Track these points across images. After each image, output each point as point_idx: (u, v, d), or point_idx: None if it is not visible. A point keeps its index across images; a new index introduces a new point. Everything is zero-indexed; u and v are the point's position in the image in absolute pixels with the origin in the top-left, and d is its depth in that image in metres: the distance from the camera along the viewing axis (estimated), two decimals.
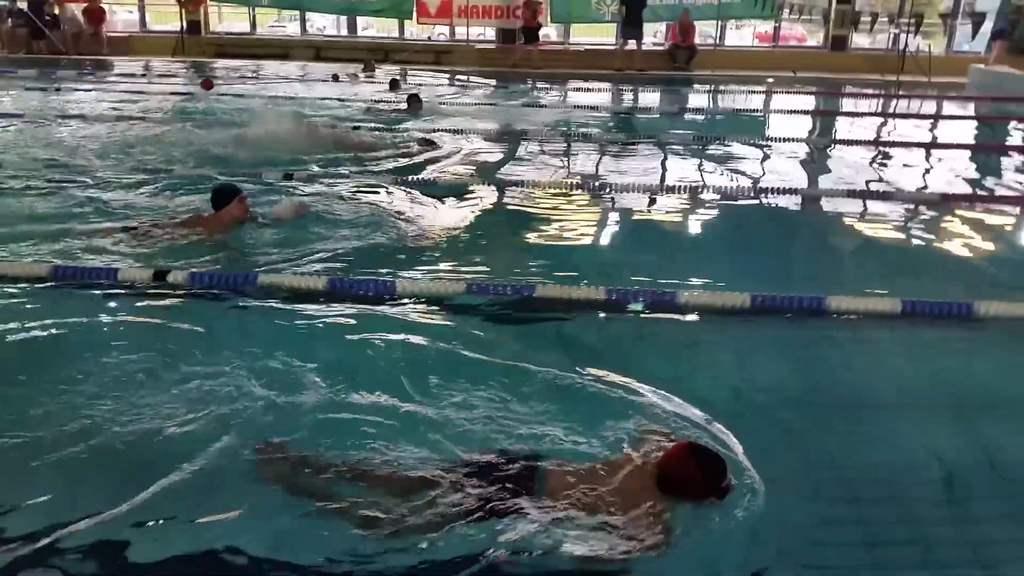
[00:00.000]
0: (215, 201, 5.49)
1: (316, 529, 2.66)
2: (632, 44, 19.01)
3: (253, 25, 22.20)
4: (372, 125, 10.26)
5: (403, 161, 8.21)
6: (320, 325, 4.22)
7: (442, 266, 5.24)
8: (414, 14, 20.73)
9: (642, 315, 4.51)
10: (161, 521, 2.70)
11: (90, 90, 13.97)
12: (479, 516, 2.60)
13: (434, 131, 9.78)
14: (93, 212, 6.05)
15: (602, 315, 4.52)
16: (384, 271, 4.97)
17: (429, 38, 22.15)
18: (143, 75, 17.09)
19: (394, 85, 14.19)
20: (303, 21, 22.15)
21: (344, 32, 22.47)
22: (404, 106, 11.36)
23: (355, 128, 9.89)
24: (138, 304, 4.42)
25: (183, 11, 20.62)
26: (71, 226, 5.61)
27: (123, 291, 4.58)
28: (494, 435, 3.13)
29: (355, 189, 6.87)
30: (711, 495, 2.60)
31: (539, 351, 3.92)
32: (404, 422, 3.22)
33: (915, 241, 6.54)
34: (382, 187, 6.96)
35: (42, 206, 6.16)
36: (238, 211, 5.49)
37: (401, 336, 4.05)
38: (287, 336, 4.07)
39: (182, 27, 20.71)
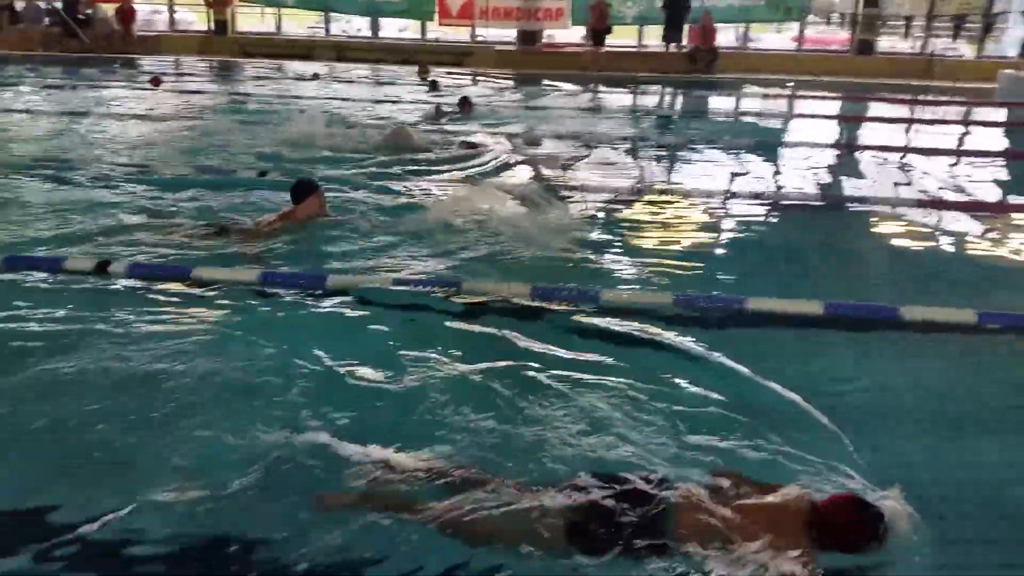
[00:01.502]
0: (295, 195, 5.54)
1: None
2: (673, 46, 19.17)
3: (279, 25, 22.48)
4: (423, 128, 10.21)
5: (447, 164, 8.12)
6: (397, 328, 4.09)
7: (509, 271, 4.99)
8: (436, 15, 20.81)
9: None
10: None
11: (132, 88, 14.20)
12: (598, 553, 2.40)
13: (480, 134, 9.66)
14: (165, 212, 6.10)
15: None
16: (470, 271, 4.83)
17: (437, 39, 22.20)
18: (190, 74, 17.38)
19: (434, 86, 14.26)
20: (327, 21, 22.36)
21: (367, 32, 22.65)
22: (455, 109, 11.37)
23: (411, 125, 9.85)
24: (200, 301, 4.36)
25: (211, 11, 21.01)
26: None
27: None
28: (610, 457, 2.90)
29: (416, 190, 6.86)
30: (867, 549, 2.49)
31: (662, 366, 3.67)
32: (503, 442, 3.01)
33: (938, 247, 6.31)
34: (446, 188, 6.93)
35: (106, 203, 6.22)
36: (316, 205, 5.55)
37: (493, 346, 3.87)
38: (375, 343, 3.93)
39: (209, 27, 21.10)
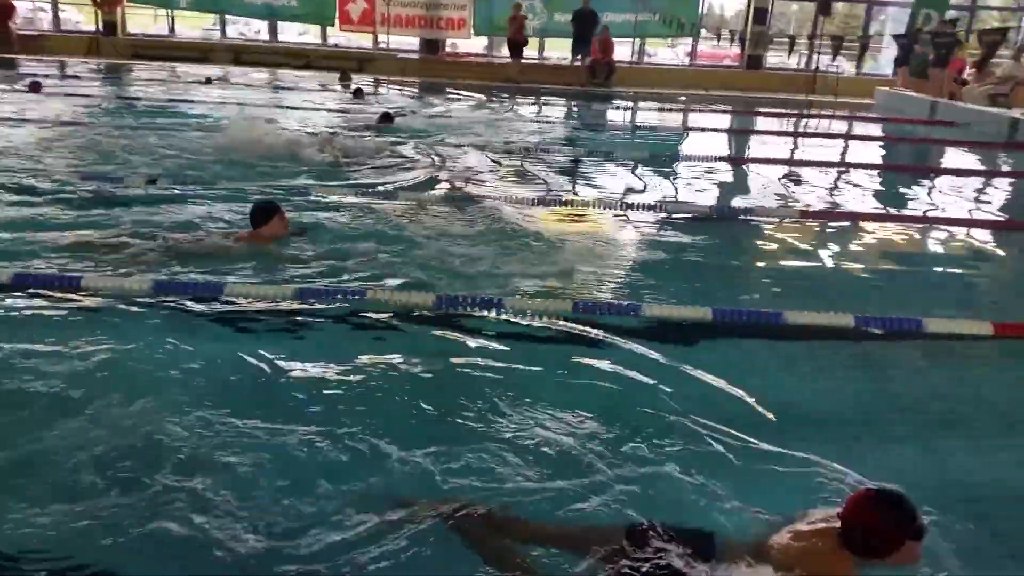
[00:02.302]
0: (255, 219, 5.33)
1: None
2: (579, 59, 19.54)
3: (172, 27, 21.82)
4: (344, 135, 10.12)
5: (380, 172, 8.09)
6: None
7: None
8: (336, 20, 20.63)
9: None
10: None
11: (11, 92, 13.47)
12: None
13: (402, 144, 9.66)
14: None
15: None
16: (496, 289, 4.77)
17: (337, 44, 22.01)
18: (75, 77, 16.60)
19: (358, 94, 14.14)
20: (223, 23, 21.84)
21: (265, 36, 22.23)
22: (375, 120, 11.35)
23: (332, 134, 9.72)
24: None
25: (99, 12, 20.21)
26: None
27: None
28: (653, 498, 2.83)
29: (361, 201, 6.77)
30: (904, 542, 2.33)
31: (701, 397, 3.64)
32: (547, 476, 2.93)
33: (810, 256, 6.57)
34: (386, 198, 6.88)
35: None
36: (279, 227, 5.38)
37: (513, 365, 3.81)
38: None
39: (97, 27, 20.30)
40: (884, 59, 22.09)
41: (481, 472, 2.93)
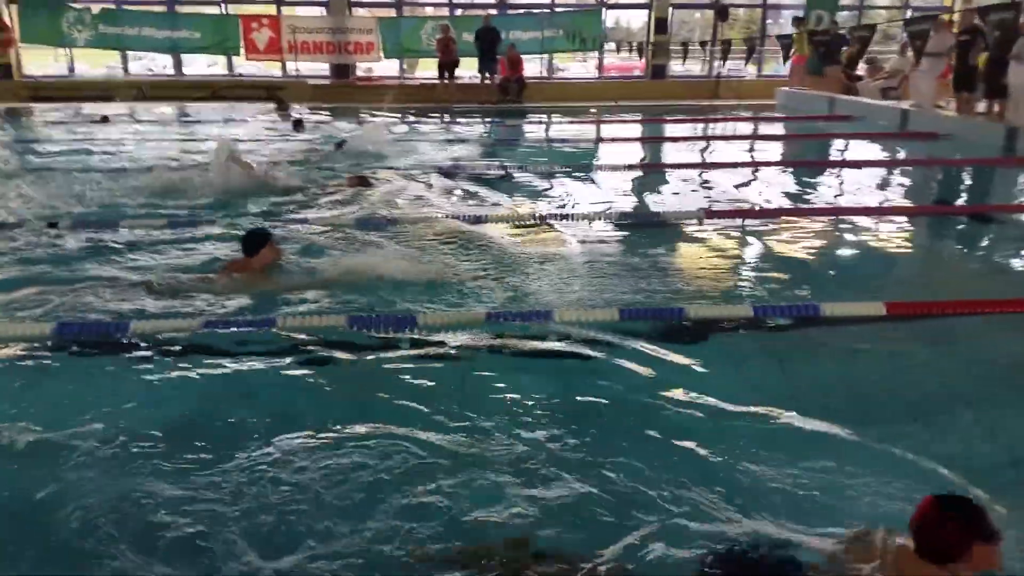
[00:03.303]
0: (247, 246, 5.34)
1: None
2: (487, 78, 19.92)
3: (71, 67, 21.26)
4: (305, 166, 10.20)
5: (339, 200, 8.09)
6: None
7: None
8: (241, 50, 20.43)
9: None
10: None
11: None
12: None
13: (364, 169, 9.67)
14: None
15: None
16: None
17: (241, 75, 21.79)
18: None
19: (298, 125, 14.00)
20: (125, 60, 21.39)
21: (170, 71, 21.84)
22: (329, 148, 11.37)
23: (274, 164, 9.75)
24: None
25: None
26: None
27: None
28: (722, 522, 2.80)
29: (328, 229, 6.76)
30: (972, 545, 2.34)
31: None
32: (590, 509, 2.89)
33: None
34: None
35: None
36: (272, 254, 5.37)
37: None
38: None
39: None
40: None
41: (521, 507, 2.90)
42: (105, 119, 15.53)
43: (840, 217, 7.80)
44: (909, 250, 7.10)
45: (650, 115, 17.32)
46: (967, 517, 2.36)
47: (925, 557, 2.37)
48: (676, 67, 22.15)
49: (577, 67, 24.77)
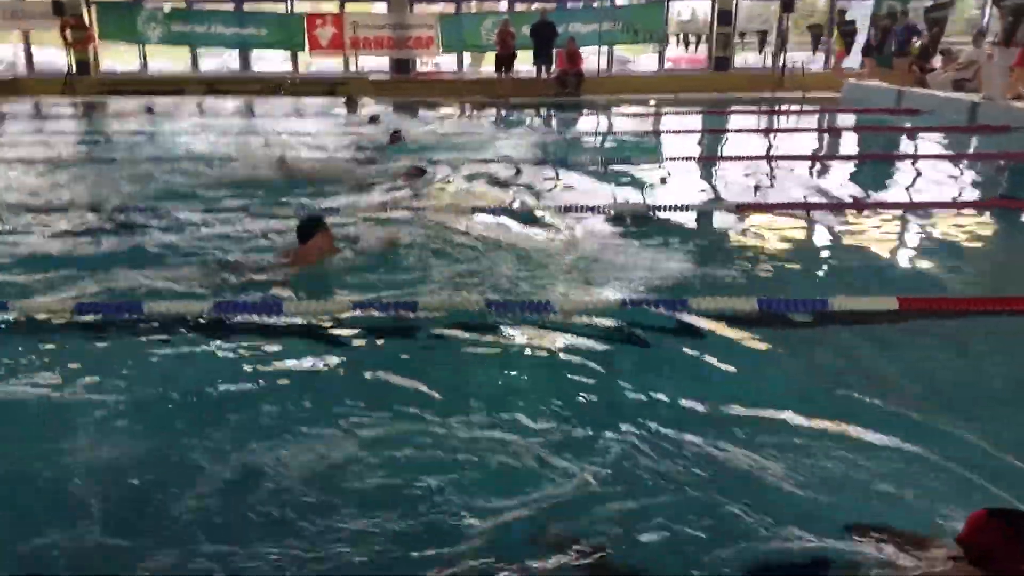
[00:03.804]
0: (301, 234, 5.46)
1: None
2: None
3: (145, 63, 22.00)
4: (362, 156, 10.41)
5: (395, 191, 8.21)
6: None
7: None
8: (306, 46, 20.83)
9: None
10: None
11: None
12: None
13: (422, 160, 9.77)
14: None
15: None
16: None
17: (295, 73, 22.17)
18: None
19: (373, 120, 14.17)
20: (195, 56, 22.02)
21: (237, 66, 22.39)
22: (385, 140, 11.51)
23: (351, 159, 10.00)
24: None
25: (71, 50, 20.39)
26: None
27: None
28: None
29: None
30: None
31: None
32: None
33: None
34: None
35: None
36: (324, 243, 5.47)
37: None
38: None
39: (69, 67, 20.44)
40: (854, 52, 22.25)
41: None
42: (150, 110, 16.30)
43: (887, 211, 7.55)
44: (964, 244, 6.79)
45: (709, 108, 17.04)
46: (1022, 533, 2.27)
47: (982, 569, 2.27)
48: (751, 57, 21.73)
49: (646, 59, 24.40)
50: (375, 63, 21.70)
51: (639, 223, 7.01)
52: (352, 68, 21.28)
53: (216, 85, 20.50)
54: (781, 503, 2.82)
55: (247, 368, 3.96)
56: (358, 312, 4.55)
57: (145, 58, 21.94)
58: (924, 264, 6.21)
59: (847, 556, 2.51)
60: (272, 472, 3.02)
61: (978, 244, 6.73)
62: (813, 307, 4.55)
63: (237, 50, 21.94)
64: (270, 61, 22.79)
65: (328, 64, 21.95)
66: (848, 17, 20.38)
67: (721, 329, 4.40)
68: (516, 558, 2.52)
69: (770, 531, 2.66)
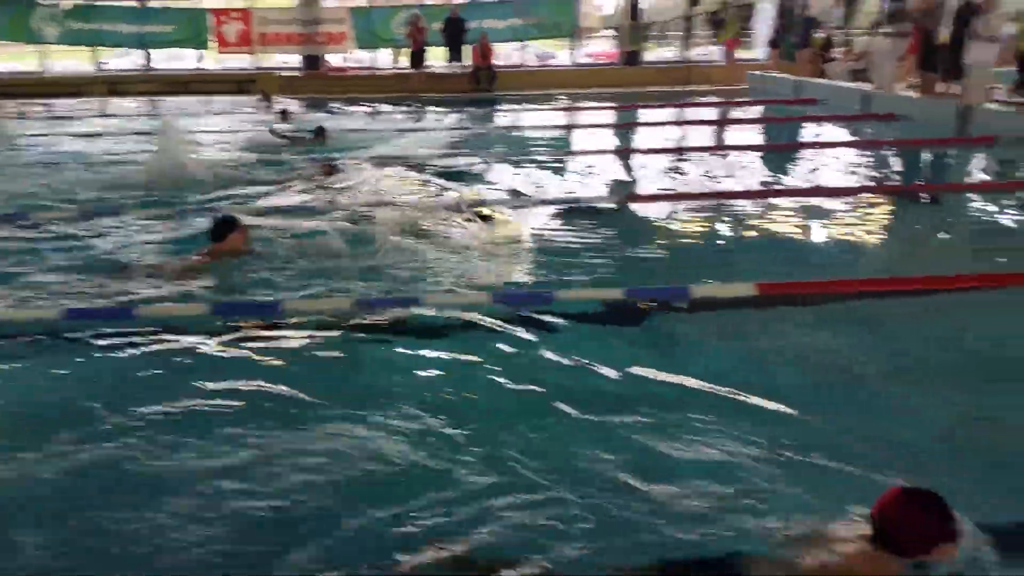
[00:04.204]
0: (215, 233, 5.41)
1: None
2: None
3: (44, 64, 21.19)
4: (279, 156, 10.23)
5: (306, 187, 8.15)
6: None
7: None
8: (213, 43, 20.36)
9: None
10: None
11: None
12: None
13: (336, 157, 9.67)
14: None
15: None
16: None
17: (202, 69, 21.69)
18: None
19: (284, 116, 13.94)
20: (97, 55, 21.30)
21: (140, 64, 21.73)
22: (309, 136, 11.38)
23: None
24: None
25: None
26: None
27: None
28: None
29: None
30: (942, 540, 2.29)
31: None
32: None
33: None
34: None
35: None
36: (239, 242, 5.42)
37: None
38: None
39: None
40: (757, 44, 22.79)
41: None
42: None
43: (768, 199, 7.78)
44: (843, 230, 7.01)
45: (620, 103, 17.25)
46: (934, 511, 2.29)
47: (885, 548, 2.29)
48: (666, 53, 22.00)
49: (565, 55, 24.52)
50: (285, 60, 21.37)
51: (530, 217, 7.07)
52: (262, 65, 20.89)
53: (118, 85, 19.86)
54: (683, 501, 2.80)
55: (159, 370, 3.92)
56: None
57: (46, 58, 21.12)
58: (788, 250, 6.36)
59: (751, 548, 2.52)
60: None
61: (856, 229, 6.96)
62: (675, 295, 4.63)
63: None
64: (181, 59, 22.26)
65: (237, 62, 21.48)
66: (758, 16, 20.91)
67: (591, 321, 4.48)
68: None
69: (667, 528, 2.67)
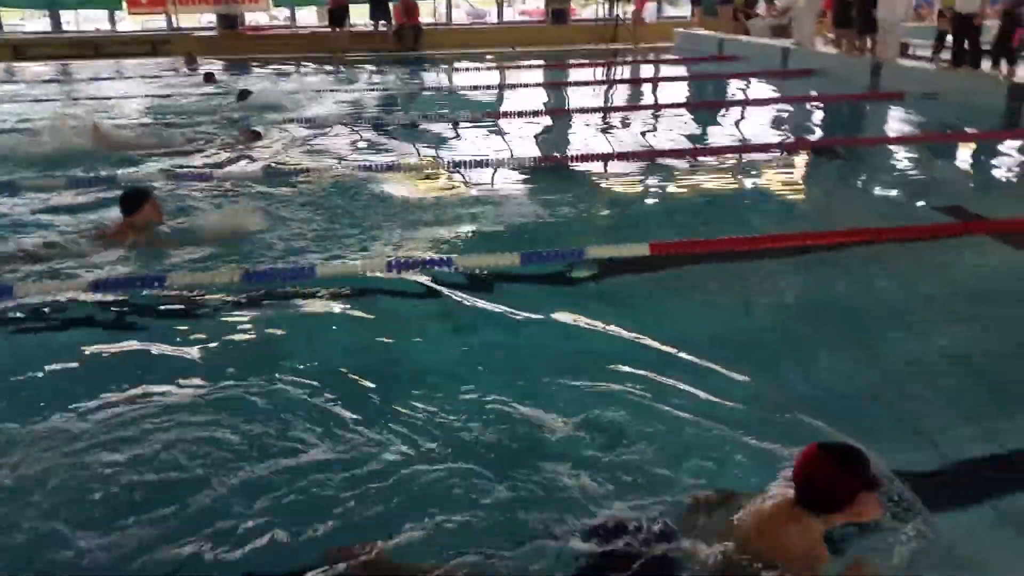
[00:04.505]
0: (126, 206, 5.15)
1: None
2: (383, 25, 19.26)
3: None
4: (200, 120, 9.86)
5: (228, 154, 7.98)
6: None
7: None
8: (124, 4, 19.50)
9: None
10: None
11: None
12: None
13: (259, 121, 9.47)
14: None
15: None
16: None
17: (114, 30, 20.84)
18: None
19: (209, 78, 13.47)
20: None
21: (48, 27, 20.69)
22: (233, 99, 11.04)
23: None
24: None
25: None
26: None
27: None
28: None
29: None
30: (858, 493, 2.29)
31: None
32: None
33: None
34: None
35: None
36: (152, 213, 5.22)
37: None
38: None
39: None
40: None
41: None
42: None
43: (682, 158, 7.88)
44: (758, 185, 7.15)
45: (540, 62, 17.15)
46: (852, 464, 2.31)
47: (806, 507, 2.31)
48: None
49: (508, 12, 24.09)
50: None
51: (439, 180, 7.06)
52: (175, 25, 20.11)
53: (25, 49, 18.88)
54: (604, 474, 2.82)
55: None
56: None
57: None
58: (681, 209, 6.46)
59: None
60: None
61: (772, 184, 7.12)
62: (571, 257, 4.66)
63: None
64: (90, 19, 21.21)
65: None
66: None
67: (501, 283, 4.49)
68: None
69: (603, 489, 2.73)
